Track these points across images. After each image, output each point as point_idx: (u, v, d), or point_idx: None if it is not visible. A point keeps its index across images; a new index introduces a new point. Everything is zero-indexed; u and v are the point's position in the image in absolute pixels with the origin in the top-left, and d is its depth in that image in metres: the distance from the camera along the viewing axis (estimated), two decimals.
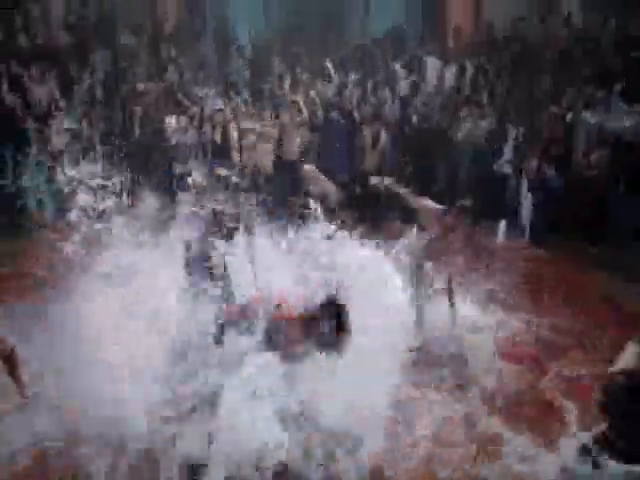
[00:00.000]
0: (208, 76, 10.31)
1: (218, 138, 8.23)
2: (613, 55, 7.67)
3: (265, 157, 8.35)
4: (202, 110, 8.94)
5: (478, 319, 4.70)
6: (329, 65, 9.51)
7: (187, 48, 11.01)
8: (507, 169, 7.16)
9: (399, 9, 11.96)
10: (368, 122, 8.04)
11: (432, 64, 9.77)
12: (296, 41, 11.10)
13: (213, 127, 8.38)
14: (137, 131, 8.55)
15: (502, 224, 6.80)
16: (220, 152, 8.21)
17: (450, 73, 9.48)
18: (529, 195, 6.76)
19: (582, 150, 6.62)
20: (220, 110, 8.48)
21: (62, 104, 8.43)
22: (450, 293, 4.56)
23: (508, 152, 7.27)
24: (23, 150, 7.50)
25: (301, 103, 8.46)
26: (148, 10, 11.67)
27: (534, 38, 9.28)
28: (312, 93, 8.89)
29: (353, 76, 9.23)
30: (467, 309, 4.72)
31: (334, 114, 8.39)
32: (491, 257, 6.31)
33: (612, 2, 8.67)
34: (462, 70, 9.27)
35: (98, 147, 8.32)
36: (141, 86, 9.43)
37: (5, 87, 7.91)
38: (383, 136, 7.83)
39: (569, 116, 6.98)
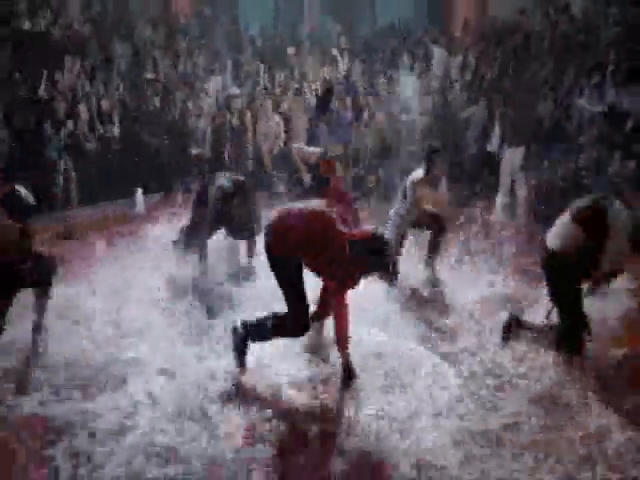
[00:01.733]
0: (221, 65, 10.92)
1: (235, 122, 8.82)
2: (613, 46, 8.19)
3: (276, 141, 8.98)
4: (217, 98, 9.65)
5: None
6: (335, 52, 10.15)
7: (200, 39, 11.67)
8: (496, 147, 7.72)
9: (407, 3, 12.62)
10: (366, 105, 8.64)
11: (438, 54, 10.38)
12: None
13: (231, 113, 8.99)
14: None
15: (499, 200, 7.29)
16: (236, 136, 8.84)
17: (456, 63, 10.08)
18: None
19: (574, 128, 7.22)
20: (236, 96, 9.11)
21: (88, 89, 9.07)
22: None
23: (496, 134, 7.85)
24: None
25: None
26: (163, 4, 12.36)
27: (536, 29, 9.81)
28: (319, 81, 9.60)
29: (358, 64, 9.82)
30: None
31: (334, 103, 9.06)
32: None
33: None
34: (465, 60, 9.88)
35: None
36: (152, 75, 10.05)
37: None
38: (379, 115, 8.42)
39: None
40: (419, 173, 4.90)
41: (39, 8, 10.43)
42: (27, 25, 10.05)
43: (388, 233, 4.55)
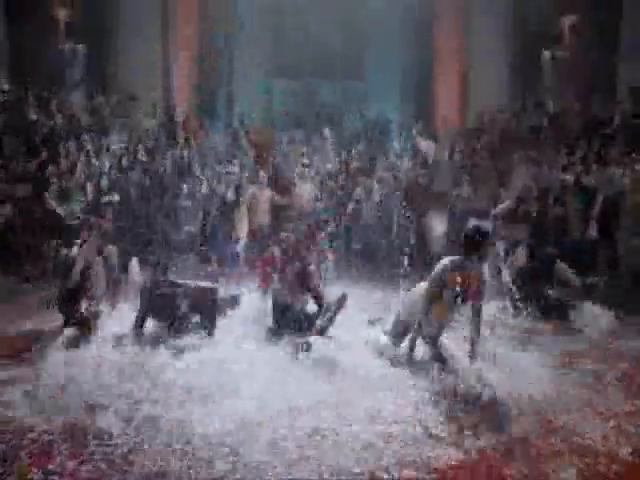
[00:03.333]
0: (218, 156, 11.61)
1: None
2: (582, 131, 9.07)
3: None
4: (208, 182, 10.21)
5: None
6: (327, 133, 10.93)
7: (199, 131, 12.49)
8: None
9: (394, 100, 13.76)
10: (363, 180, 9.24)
11: (426, 145, 11.21)
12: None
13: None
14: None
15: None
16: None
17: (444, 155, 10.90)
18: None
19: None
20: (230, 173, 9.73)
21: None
22: None
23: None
24: None
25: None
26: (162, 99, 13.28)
27: (514, 122, 10.77)
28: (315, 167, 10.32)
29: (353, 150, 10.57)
30: None
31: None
32: None
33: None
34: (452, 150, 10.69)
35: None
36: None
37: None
38: (375, 186, 8.98)
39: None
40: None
41: (45, 100, 11.32)
42: (33, 114, 10.86)
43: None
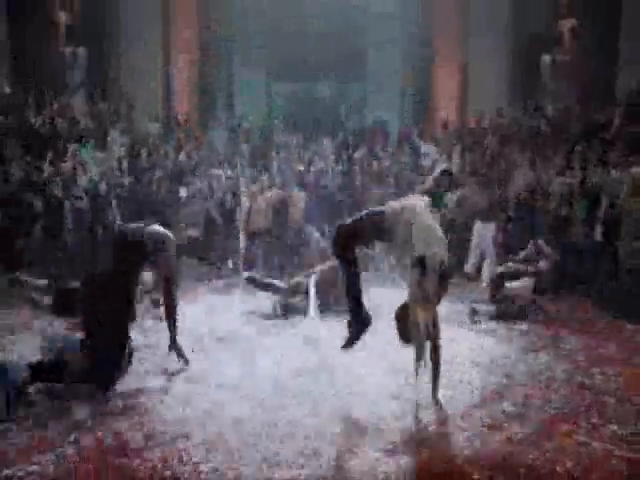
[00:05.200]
0: (217, 157, 11.70)
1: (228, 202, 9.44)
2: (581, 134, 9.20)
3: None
4: (210, 185, 10.28)
5: None
6: (326, 142, 11.03)
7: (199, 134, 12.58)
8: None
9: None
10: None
11: (427, 149, 11.32)
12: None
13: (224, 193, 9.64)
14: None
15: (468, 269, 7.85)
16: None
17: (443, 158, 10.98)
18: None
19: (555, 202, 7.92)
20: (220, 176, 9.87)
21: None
22: None
23: None
24: None
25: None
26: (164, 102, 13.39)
27: (513, 126, 10.89)
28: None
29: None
30: None
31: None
32: None
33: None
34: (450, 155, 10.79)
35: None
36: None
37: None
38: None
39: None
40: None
41: (45, 103, 11.39)
42: (32, 117, 10.92)
43: None
